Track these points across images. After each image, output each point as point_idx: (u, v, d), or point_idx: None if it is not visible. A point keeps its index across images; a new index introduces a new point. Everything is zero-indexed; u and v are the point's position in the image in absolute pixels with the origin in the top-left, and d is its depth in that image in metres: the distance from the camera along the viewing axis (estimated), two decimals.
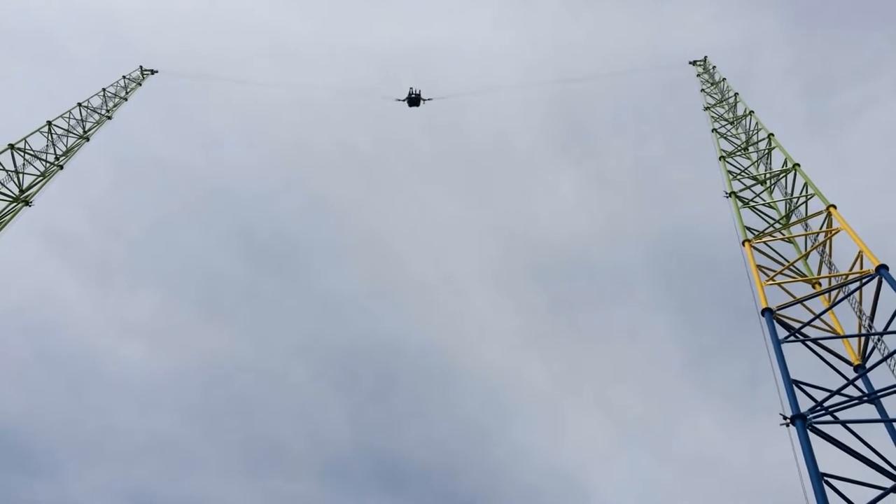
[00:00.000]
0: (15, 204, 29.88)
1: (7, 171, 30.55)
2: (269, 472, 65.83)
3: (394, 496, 67.81)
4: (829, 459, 14.62)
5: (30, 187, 31.25)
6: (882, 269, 17.51)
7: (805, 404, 15.78)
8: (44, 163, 32.79)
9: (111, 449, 62.06)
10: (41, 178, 32.05)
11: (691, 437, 65.88)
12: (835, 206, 21.82)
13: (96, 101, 39.61)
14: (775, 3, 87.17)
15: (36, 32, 78.51)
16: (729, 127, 33.84)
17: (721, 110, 36.10)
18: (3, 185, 29.99)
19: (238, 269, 77.49)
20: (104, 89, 40.84)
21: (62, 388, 63.33)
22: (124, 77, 43.86)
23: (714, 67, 42.65)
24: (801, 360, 17.56)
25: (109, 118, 39.50)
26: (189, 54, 77.76)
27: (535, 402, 71.75)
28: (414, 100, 50.18)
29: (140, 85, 44.89)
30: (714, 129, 33.32)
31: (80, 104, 37.77)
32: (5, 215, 29.11)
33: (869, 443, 15.27)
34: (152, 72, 46.88)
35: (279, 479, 65.56)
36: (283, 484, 65.30)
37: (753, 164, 29.56)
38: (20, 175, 31.17)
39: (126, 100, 42.20)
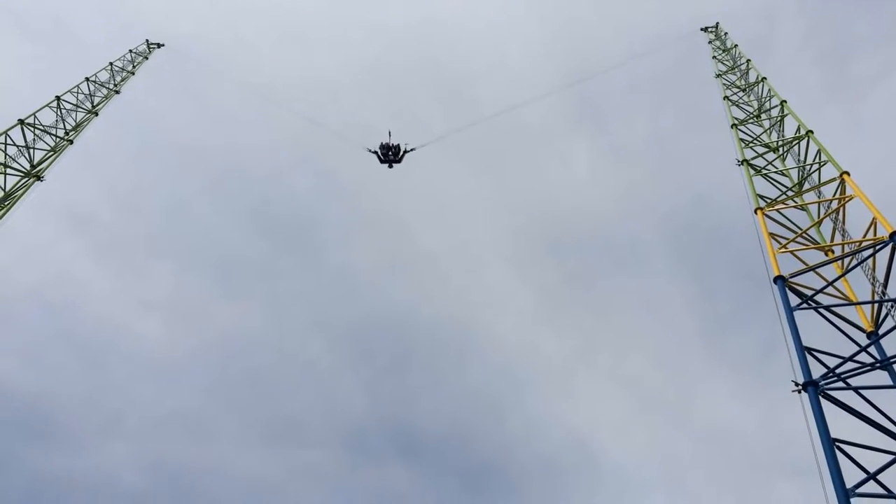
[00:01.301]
0: (27, 179, 30.02)
1: (18, 146, 30.65)
2: (287, 444, 66.92)
3: (410, 465, 68.80)
4: (841, 425, 14.71)
5: (41, 162, 31.36)
6: None
7: (817, 372, 15.84)
8: (54, 138, 32.86)
9: (132, 423, 63.13)
10: (52, 152, 32.15)
11: (707, 407, 66.22)
12: (848, 173, 21.62)
13: (104, 76, 39.54)
14: None
15: (48, 18, 78.03)
16: (741, 94, 33.45)
17: (733, 77, 35.67)
18: (14, 160, 30.12)
19: (252, 248, 77.83)
20: (111, 63, 40.72)
21: (82, 364, 64.19)
22: (131, 51, 43.68)
23: (726, 34, 42.04)
24: (813, 329, 17.57)
25: (117, 92, 39.43)
26: (200, 37, 76.97)
27: (550, 375, 72.26)
28: (390, 155, 35.85)
29: (146, 59, 44.67)
30: (726, 97, 32.96)
31: (87, 79, 37.71)
32: (18, 190, 29.28)
33: (881, 408, 15.33)
34: (158, 45, 46.61)
35: (297, 450, 66.60)
36: (301, 455, 66.32)
37: (766, 131, 29.28)
38: (31, 150, 31.28)
39: (133, 73, 42.04)
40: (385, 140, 35.89)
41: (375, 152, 35.72)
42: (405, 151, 35.86)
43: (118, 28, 75.70)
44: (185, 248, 75.96)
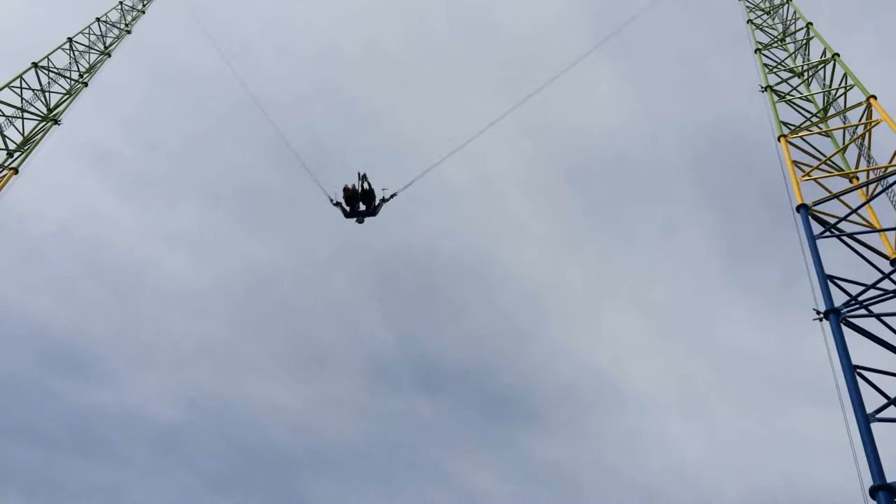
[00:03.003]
0: (44, 123, 30.06)
1: (33, 89, 30.60)
2: (312, 374, 68.61)
3: (434, 393, 70.31)
4: (862, 352, 14.78)
5: (57, 106, 31.33)
6: None
7: (839, 300, 15.83)
8: (68, 80, 32.75)
9: (162, 355, 64.75)
10: (67, 95, 32.09)
11: (727, 333, 66.47)
12: (875, 97, 21.13)
13: (115, 16, 39.07)
14: None
15: None
16: (765, 17, 32.43)
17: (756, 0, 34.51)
18: (30, 104, 30.12)
19: (273, 180, 77.70)
20: (121, 2, 40.18)
21: (112, 300, 65.51)
22: None
23: None
24: (836, 257, 17.45)
25: (129, 32, 38.99)
26: None
27: (572, 302, 72.62)
28: (361, 207, 25.01)
29: None
30: (749, 21, 31.96)
31: (98, 19, 37.26)
32: (37, 134, 29.36)
33: None
34: None
35: (323, 379, 68.33)
36: (326, 384, 68.05)
37: (790, 55, 28.50)
38: (46, 94, 31.23)
39: (144, 12, 41.49)
40: (353, 184, 24.77)
41: (339, 204, 24.93)
42: (382, 200, 25.11)
43: None
44: (208, 182, 76.04)
